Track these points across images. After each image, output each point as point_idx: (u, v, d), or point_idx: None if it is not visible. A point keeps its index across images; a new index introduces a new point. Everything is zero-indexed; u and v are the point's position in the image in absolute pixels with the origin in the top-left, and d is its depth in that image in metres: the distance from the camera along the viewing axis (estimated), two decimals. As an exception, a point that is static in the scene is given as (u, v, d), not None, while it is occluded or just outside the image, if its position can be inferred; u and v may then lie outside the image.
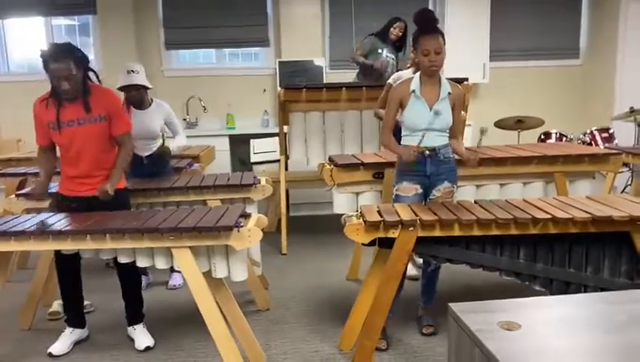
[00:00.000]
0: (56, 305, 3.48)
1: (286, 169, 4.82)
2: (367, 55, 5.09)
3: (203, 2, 6.28)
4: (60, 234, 2.50)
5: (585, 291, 2.60)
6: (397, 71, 4.99)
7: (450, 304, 1.55)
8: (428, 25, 2.83)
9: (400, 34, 4.99)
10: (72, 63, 2.70)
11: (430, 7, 6.46)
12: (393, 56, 5.05)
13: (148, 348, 2.97)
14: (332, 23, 6.35)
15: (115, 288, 3.80)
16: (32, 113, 2.89)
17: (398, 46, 5.07)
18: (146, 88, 3.63)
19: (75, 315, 3.06)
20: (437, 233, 2.53)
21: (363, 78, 5.11)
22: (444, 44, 2.84)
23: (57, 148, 2.96)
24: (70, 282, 3.00)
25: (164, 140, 3.78)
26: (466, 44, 6.08)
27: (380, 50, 5.00)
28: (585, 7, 6.61)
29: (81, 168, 2.87)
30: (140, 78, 3.56)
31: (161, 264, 2.59)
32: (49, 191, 3.05)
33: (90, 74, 2.86)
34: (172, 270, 3.77)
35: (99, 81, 2.94)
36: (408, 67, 3.92)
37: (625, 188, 5.15)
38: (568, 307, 1.55)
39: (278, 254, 4.54)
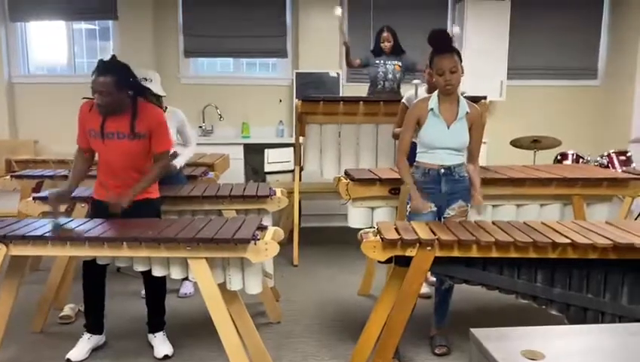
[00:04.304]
0: (68, 309, 3.49)
1: (299, 180, 4.82)
2: (364, 67, 5.15)
3: (223, 11, 6.33)
4: (77, 241, 2.51)
5: (602, 318, 2.56)
6: (404, 73, 5.01)
7: (471, 329, 1.53)
8: (441, 44, 2.83)
9: (391, 41, 4.97)
10: (111, 81, 2.68)
11: (448, 23, 6.48)
12: (395, 62, 5.02)
13: (166, 357, 2.96)
14: (350, 36, 6.35)
15: (127, 294, 3.83)
16: (78, 115, 2.91)
17: (395, 53, 5.04)
18: (158, 97, 3.63)
19: (94, 321, 3.06)
20: (455, 253, 2.51)
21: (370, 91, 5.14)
22: (461, 62, 2.83)
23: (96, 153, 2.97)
24: (94, 288, 3.01)
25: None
26: (483, 61, 6.08)
27: (377, 61, 5.00)
28: (604, 28, 6.59)
29: (115, 178, 2.89)
30: (152, 86, 3.55)
31: (176, 274, 2.60)
32: (73, 195, 3.07)
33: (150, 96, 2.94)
34: (183, 278, 3.76)
35: (160, 103, 3.03)
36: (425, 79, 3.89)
37: (640, 214, 5.09)
38: (591, 337, 1.53)
39: (290, 265, 4.53)
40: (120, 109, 2.79)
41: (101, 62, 2.75)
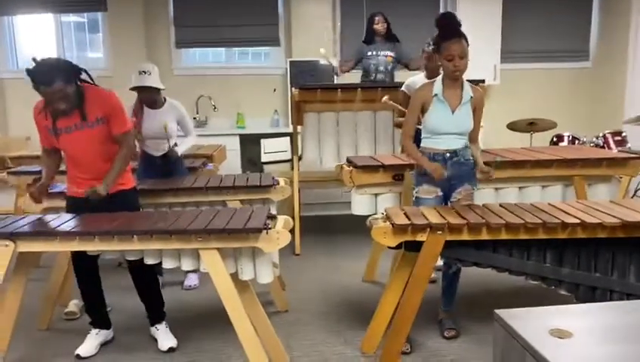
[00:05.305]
0: (73, 305, 3.47)
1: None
2: (357, 64, 5.11)
3: (214, 1, 6.25)
4: (87, 235, 2.48)
5: (611, 296, 2.59)
6: (397, 62, 4.98)
7: (496, 310, 1.54)
8: (451, 29, 2.81)
9: (385, 25, 4.93)
10: (62, 83, 2.58)
11: (441, 7, 6.46)
12: (387, 53, 4.99)
13: (171, 349, 2.95)
14: (343, 23, 6.33)
15: (129, 287, 3.79)
16: (33, 116, 2.84)
17: (388, 38, 5.00)
18: (157, 89, 3.61)
19: (99, 316, 3.04)
20: (465, 236, 2.52)
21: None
22: (468, 46, 2.83)
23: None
24: (90, 283, 2.98)
25: (169, 144, 3.72)
26: (477, 45, 5.95)
27: (369, 53, 4.96)
28: (595, 9, 6.61)
29: (85, 171, 2.83)
30: (152, 80, 3.53)
31: (187, 265, 2.58)
32: (54, 191, 3.01)
33: (83, 75, 2.76)
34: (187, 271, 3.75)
35: (92, 80, 2.83)
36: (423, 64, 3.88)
37: (636, 192, 5.15)
38: (618, 314, 1.54)
39: (292, 255, 4.52)
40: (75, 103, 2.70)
41: (38, 73, 2.56)
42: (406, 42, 5.08)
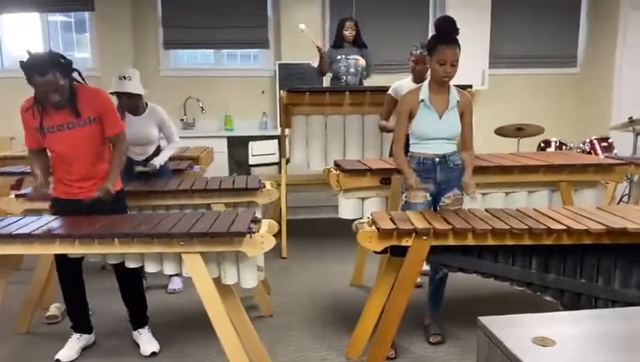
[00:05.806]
0: (54, 309, 3.41)
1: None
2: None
3: (203, 2, 6.21)
4: (67, 238, 2.43)
5: (596, 303, 2.59)
6: (367, 67, 4.96)
7: (479, 317, 1.52)
8: (449, 35, 2.80)
9: (354, 32, 4.90)
10: (58, 74, 2.58)
11: (430, 12, 6.47)
12: (356, 57, 4.96)
13: (153, 354, 2.91)
14: (333, 26, 6.31)
15: (112, 290, 3.74)
16: (21, 117, 2.78)
17: (358, 44, 4.96)
18: (139, 95, 3.54)
19: (81, 320, 3.00)
20: (450, 242, 2.51)
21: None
22: (460, 54, 2.83)
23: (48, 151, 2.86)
24: (73, 286, 2.93)
25: (149, 159, 3.67)
26: (465, 50, 6.01)
27: (339, 57, 4.93)
28: (583, 15, 6.66)
29: (75, 172, 2.78)
30: (132, 86, 3.45)
31: (169, 269, 2.54)
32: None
33: (75, 74, 2.74)
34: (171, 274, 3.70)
35: (83, 79, 2.81)
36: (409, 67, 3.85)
37: (622, 198, 5.18)
38: (601, 322, 1.53)
39: (278, 258, 4.49)
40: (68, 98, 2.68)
41: (32, 63, 2.55)
42: (394, 45, 5.06)
